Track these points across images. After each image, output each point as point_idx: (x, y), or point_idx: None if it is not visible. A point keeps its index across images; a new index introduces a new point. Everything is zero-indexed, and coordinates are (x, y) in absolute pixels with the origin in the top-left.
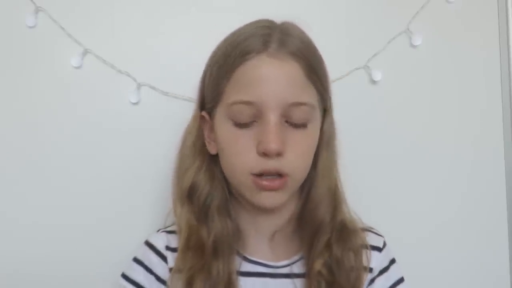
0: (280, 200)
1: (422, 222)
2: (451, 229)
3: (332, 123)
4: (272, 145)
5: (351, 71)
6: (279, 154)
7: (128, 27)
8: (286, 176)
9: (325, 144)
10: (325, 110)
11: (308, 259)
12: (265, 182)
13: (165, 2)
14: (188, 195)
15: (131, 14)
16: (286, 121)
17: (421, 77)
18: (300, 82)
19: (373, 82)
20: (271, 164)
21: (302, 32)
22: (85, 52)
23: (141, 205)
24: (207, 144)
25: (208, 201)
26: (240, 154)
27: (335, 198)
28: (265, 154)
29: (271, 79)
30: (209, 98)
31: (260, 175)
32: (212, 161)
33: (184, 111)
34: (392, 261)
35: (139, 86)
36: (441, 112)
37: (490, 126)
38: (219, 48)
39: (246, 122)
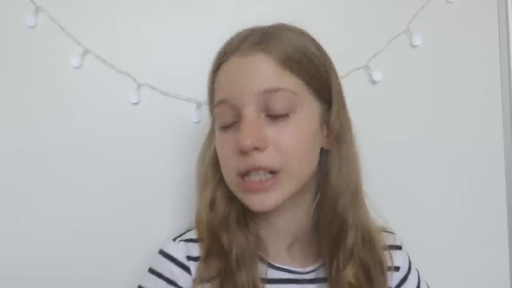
0: (273, 201)
1: (422, 223)
2: (450, 230)
3: (341, 117)
4: (246, 140)
5: (351, 71)
6: (258, 149)
7: (128, 27)
8: (278, 172)
9: (334, 138)
10: (329, 103)
11: (332, 263)
12: (251, 184)
13: (165, 2)
14: (210, 205)
15: (131, 14)
16: (267, 115)
17: (421, 77)
18: (273, 72)
19: (373, 82)
20: (251, 161)
21: (288, 30)
22: (85, 52)
23: (140, 206)
24: None
25: (227, 214)
26: (226, 157)
27: (356, 196)
28: (243, 152)
29: (239, 75)
30: (210, 111)
31: (246, 174)
32: None
33: (184, 111)
34: (408, 255)
35: (139, 86)
36: (441, 112)
37: (490, 126)
38: None
39: (229, 124)
